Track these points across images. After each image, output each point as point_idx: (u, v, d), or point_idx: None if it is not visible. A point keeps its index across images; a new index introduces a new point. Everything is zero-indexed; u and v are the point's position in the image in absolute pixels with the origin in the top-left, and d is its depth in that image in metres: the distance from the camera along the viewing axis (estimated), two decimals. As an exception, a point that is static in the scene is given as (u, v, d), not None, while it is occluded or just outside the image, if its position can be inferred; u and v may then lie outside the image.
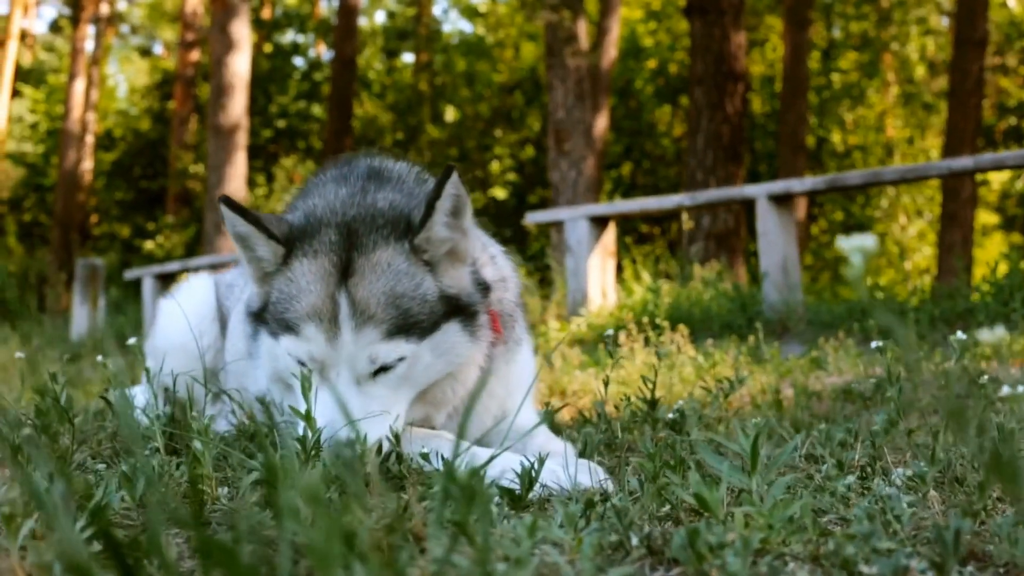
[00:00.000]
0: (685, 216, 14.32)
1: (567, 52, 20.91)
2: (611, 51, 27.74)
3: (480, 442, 3.53)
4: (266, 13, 40.62)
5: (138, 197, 38.41)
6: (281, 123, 38.06)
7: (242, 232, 3.27)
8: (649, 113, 34.56)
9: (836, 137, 33.16)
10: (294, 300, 3.17)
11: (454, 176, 3.20)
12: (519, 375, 3.74)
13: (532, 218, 13.40)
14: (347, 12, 30.12)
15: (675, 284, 12.08)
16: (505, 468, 3.00)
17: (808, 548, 2.07)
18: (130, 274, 18.60)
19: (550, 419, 4.07)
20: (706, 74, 19.29)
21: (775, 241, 10.89)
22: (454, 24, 63.29)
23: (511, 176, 34.42)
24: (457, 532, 1.65)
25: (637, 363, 6.82)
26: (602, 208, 12.69)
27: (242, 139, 22.17)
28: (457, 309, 3.28)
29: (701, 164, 19.11)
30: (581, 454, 3.54)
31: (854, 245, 1.30)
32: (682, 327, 7.55)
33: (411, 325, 3.16)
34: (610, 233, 12.51)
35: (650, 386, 4.18)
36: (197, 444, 2.95)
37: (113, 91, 48.65)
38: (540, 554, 1.97)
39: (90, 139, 37.10)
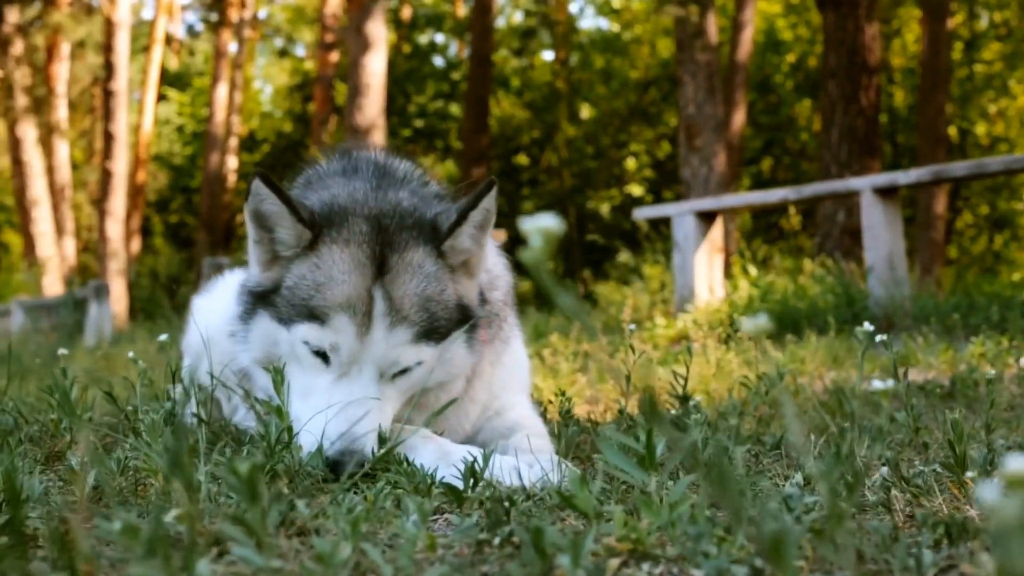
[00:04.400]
0: (792, 211, 14.06)
1: (696, 47, 20.72)
2: (747, 45, 27.51)
3: (470, 440, 3.49)
4: (406, 13, 40.96)
5: (281, 197, 39.10)
6: (419, 122, 38.36)
7: (267, 211, 3.16)
8: (788, 107, 34.19)
9: (980, 129, 32.42)
10: (323, 288, 3.07)
11: (493, 191, 3.14)
12: (505, 375, 3.67)
13: (640, 214, 13.31)
14: (483, 10, 30.19)
15: (785, 279, 11.90)
16: (437, 463, 2.96)
17: (687, 548, 1.98)
18: (251, 272, 18.93)
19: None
20: (839, 67, 19.05)
21: (881, 235, 10.65)
22: (592, 21, 63.15)
23: (647, 172, 34.27)
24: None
25: (711, 360, 6.71)
26: (708, 203, 12.52)
27: (379, 139, 22.29)
28: (464, 320, 3.23)
29: (836, 158, 18.88)
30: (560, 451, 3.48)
31: (535, 226, 1.22)
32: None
33: (435, 330, 3.11)
34: (717, 228, 12.34)
35: (681, 382, 4.12)
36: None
37: (257, 94, 49.58)
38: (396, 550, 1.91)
39: (234, 141, 37.82)
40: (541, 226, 1.22)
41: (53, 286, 29.91)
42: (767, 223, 30.22)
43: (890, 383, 2.17)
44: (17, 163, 31.80)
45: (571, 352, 7.70)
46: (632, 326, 4.19)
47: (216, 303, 4.42)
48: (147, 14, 50.02)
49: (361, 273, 3.08)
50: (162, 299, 24.90)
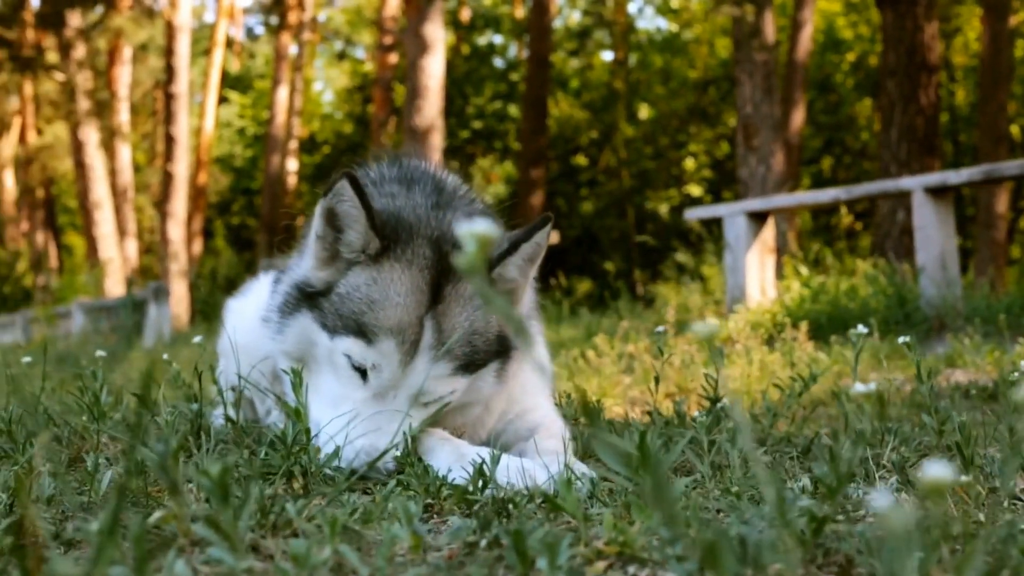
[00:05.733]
0: (844, 210, 13.93)
1: (753, 46, 20.65)
2: (806, 44, 27.36)
3: (492, 444, 3.49)
4: (464, 15, 41.01)
5: (341, 199, 39.37)
6: (478, 124, 38.40)
7: (343, 211, 3.13)
8: (849, 106, 33.96)
9: (1043, 127, 32.11)
10: (377, 307, 3.06)
11: (548, 227, 3.14)
12: (526, 380, 3.66)
13: (691, 214, 13.26)
14: (541, 11, 30.20)
15: (837, 279, 11.81)
16: (452, 465, 2.96)
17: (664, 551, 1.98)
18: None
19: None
20: (899, 66, 18.90)
21: (932, 235, 10.55)
22: (651, 21, 62.91)
23: (706, 173, 34.15)
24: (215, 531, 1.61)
25: (754, 360, 6.69)
26: (759, 203, 12.45)
27: (437, 140, 22.32)
28: (501, 351, 3.24)
29: (895, 158, 18.75)
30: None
31: (468, 231, 1.22)
32: (802, 325, 7.37)
33: (473, 363, 3.13)
34: (769, 229, 12.27)
35: (712, 383, 4.10)
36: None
37: (318, 96, 49.84)
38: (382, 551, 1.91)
39: (294, 143, 38.04)
40: (476, 231, 1.22)
41: (116, 288, 30.22)
42: (827, 223, 30.06)
43: (872, 387, 2.14)
44: (80, 166, 32.19)
45: (616, 353, 7.69)
46: (661, 328, 4.18)
47: (249, 304, 4.40)
48: (209, 17, 50.46)
49: (417, 299, 3.07)
50: (220, 300, 25.17)
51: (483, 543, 2.08)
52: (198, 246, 38.07)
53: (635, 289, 27.50)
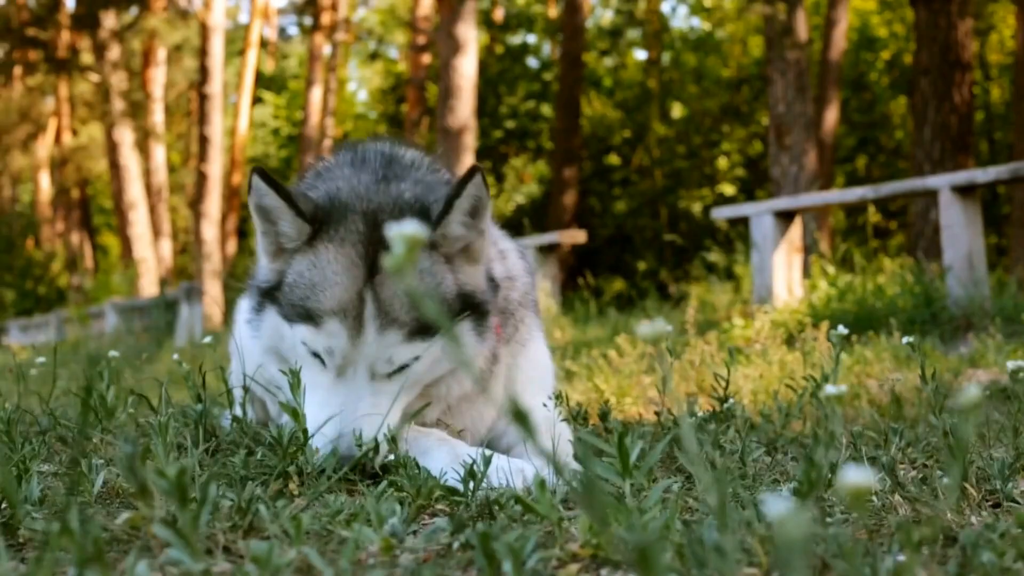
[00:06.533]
0: (872, 209, 13.85)
1: (785, 45, 20.55)
2: (840, 42, 27.22)
3: (493, 443, 3.49)
4: (498, 15, 40.98)
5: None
6: (511, 123, 38.29)
7: (268, 205, 3.19)
8: (884, 105, 33.76)
9: (1080, 125, 31.85)
10: (318, 289, 3.11)
11: (477, 178, 3.13)
12: (523, 378, 3.64)
13: (718, 213, 13.21)
14: (573, 10, 30.21)
15: (864, 279, 11.75)
16: (445, 466, 2.95)
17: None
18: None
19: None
20: (932, 64, 18.83)
21: (959, 234, 10.48)
22: (684, 20, 62.76)
23: (739, 172, 33.99)
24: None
25: (774, 360, 6.67)
26: (786, 202, 12.40)
27: (470, 140, 22.28)
28: (470, 307, 3.22)
29: (928, 156, 18.69)
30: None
31: (398, 232, 1.21)
32: (823, 325, 7.33)
33: (429, 325, 3.10)
34: (796, 228, 12.21)
35: (723, 383, 4.09)
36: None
37: (352, 96, 49.93)
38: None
39: (328, 143, 38.13)
40: (405, 233, 1.21)
41: (150, 288, 30.42)
42: (856, 222, 29.88)
43: (843, 388, 2.11)
44: (115, 167, 32.49)
45: (638, 353, 7.66)
46: (668, 328, 4.16)
47: (256, 304, 4.42)
48: (243, 18, 50.71)
49: (352, 274, 3.11)
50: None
51: (456, 545, 2.07)
52: (232, 246, 38.19)
53: (667, 289, 27.43)
